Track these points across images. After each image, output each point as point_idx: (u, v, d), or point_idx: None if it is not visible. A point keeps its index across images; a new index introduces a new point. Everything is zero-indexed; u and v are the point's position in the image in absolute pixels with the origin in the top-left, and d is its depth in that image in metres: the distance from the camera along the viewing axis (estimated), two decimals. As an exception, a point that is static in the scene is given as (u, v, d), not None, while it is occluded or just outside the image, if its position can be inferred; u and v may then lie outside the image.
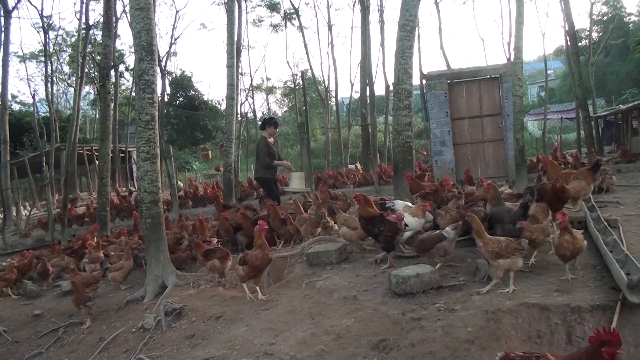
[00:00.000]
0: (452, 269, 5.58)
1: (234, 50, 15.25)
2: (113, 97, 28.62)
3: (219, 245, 7.97)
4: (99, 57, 16.27)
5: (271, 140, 10.67)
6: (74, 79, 26.76)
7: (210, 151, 32.53)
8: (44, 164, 20.85)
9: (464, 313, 4.42)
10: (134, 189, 22.76)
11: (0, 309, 8.05)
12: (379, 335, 4.47)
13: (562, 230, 4.81)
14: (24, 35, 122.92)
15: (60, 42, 36.85)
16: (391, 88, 16.55)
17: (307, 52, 39.70)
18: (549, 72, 33.08)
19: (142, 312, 6.82)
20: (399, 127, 8.91)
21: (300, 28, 33.76)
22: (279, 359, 4.48)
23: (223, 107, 32.32)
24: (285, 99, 54.13)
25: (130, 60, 36.13)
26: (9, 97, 42.36)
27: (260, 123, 11.66)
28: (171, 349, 5.56)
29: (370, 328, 4.60)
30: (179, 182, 22.13)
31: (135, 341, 6.15)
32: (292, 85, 41.16)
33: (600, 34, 37.11)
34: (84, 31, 21.99)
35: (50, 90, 27.88)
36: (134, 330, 6.43)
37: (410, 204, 7.04)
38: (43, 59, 28.57)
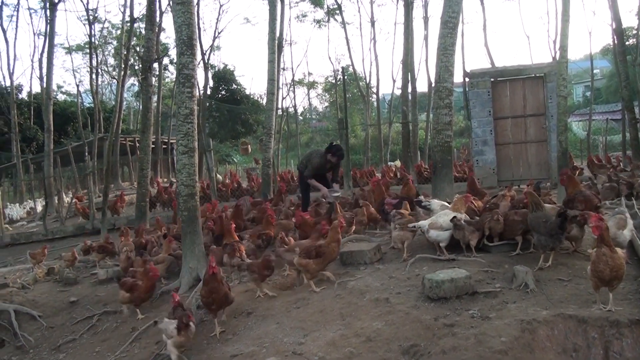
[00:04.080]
0: (488, 275, 5.42)
1: (275, 45, 15.22)
2: (156, 90, 29.17)
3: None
4: (142, 50, 16.51)
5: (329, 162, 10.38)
6: (121, 70, 27.28)
7: (249, 145, 32.75)
8: (87, 154, 21.36)
9: (498, 322, 4.28)
10: (175, 181, 23.12)
11: (37, 295, 8.23)
12: (409, 341, 4.38)
13: (598, 241, 4.19)
14: (70, 27, 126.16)
15: (105, 34, 37.68)
16: (434, 85, 16.33)
17: (349, 48, 39.78)
18: (595, 71, 32.10)
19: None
20: (438, 126, 8.76)
21: (343, 24, 33.67)
22: (307, 359, 4.43)
23: (265, 101, 32.51)
24: (326, 94, 54.12)
25: (174, 53, 36.55)
26: (55, 88, 43.64)
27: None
28: (201, 343, 5.58)
29: (401, 332, 4.50)
30: (218, 175, 22.34)
31: (167, 333, 6.20)
32: (334, 81, 41.11)
33: (648, 33, 35.72)
34: (128, 24, 22.37)
35: (95, 81, 28.52)
36: (166, 321, 6.49)
37: (447, 204, 6.91)
38: (88, 51, 29.20)
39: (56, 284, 8.81)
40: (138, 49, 23.93)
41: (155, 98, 30.27)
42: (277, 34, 18.27)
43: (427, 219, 6.38)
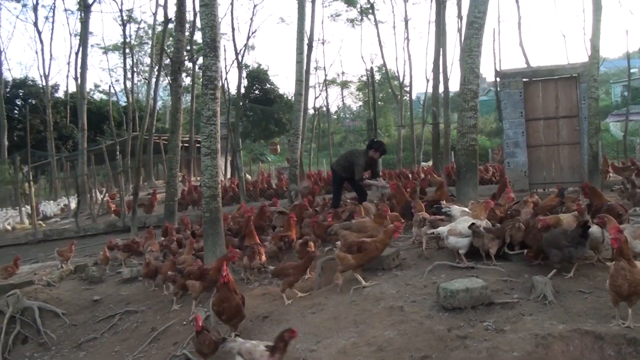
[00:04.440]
0: (507, 284, 5.26)
1: (304, 45, 15.17)
2: (190, 89, 29.52)
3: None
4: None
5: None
6: (155, 70, 27.77)
7: (278, 145, 33.07)
8: (118, 153, 21.84)
9: (513, 335, 4.15)
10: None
11: (62, 292, 8.38)
12: (421, 352, 4.27)
13: (616, 254, 4.02)
14: (107, 27, 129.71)
15: (142, 34, 38.30)
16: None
17: (381, 48, 39.49)
18: (633, 70, 31.19)
19: (195, 306, 6.88)
20: (463, 129, 8.58)
21: (375, 23, 33.49)
22: (317, 367, 4.38)
23: (297, 101, 32.55)
24: (360, 93, 53.99)
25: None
26: (92, 87, 44.54)
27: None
28: (214, 345, 5.59)
29: (413, 343, 4.41)
30: (247, 175, 22.49)
31: (184, 334, 6.24)
32: (367, 80, 40.93)
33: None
34: (160, 25, 22.75)
35: (131, 81, 29.04)
36: (184, 323, 6.54)
37: (467, 209, 6.77)
38: (125, 51, 29.72)
39: (81, 281, 8.95)
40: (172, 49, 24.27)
41: (189, 97, 30.77)
42: (308, 34, 18.28)
43: (446, 225, 6.25)
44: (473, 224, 5.85)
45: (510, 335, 4.17)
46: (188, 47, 22.55)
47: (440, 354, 4.20)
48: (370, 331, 4.79)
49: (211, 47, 7.93)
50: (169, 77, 22.62)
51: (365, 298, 5.54)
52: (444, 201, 7.78)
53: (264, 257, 7.32)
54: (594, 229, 5.17)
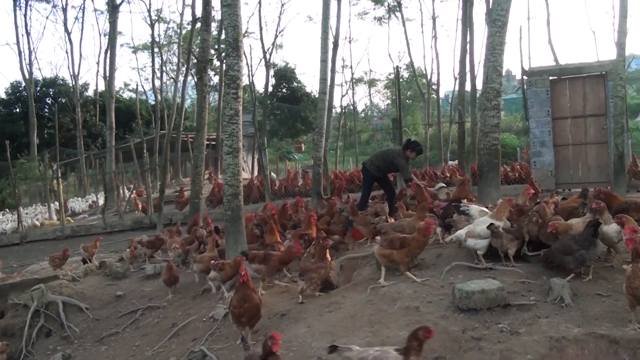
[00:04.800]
0: (525, 286, 5.20)
1: (328, 44, 15.10)
2: (218, 87, 29.81)
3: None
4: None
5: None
6: (183, 69, 28.10)
7: (303, 144, 33.31)
8: (145, 151, 22.21)
9: (527, 338, 4.11)
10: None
11: (86, 287, 8.57)
12: (434, 352, 4.27)
13: (633, 256, 3.97)
14: (136, 27, 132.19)
15: (171, 34, 38.77)
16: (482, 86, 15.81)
17: (408, 46, 38.99)
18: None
19: (216, 302, 6.96)
20: (485, 129, 8.50)
21: (403, 21, 33.33)
22: (331, 367, 4.38)
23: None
24: (388, 91, 53.78)
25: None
26: (122, 85, 45.29)
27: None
28: (233, 342, 5.67)
29: (427, 343, 4.37)
30: (272, 174, 22.60)
31: (204, 330, 6.31)
32: (394, 78, 40.78)
33: None
34: (188, 25, 23.00)
35: (160, 79, 29.40)
36: (204, 319, 6.60)
37: (486, 209, 6.70)
38: (153, 50, 30.14)
39: (105, 277, 9.12)
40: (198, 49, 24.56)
41: (216, 96, 31.10)
42: (334, 33, 18.23)
43: (465, 227, 6.20)
44: (492, 224, 5.80)
45: (524, 338, 4.14)
46: (216, 46, 22.74)
47: (454, 355, 4.20)
48: (385, 331, 4.80)
49: (234, 46, 7.98)
50: (194, 77, 22.89)
51: (382, 298, 5.54)
52: (466, 200, 7.72)
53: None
54: (608, 228, 5.09)
